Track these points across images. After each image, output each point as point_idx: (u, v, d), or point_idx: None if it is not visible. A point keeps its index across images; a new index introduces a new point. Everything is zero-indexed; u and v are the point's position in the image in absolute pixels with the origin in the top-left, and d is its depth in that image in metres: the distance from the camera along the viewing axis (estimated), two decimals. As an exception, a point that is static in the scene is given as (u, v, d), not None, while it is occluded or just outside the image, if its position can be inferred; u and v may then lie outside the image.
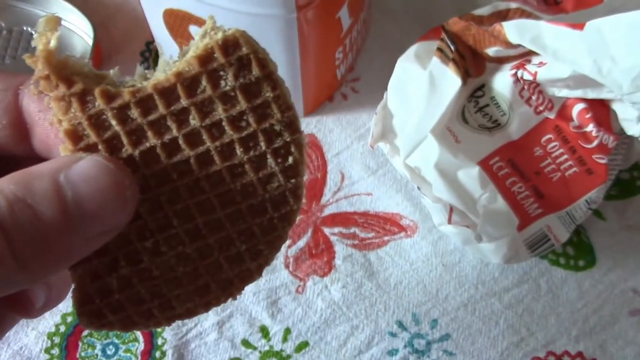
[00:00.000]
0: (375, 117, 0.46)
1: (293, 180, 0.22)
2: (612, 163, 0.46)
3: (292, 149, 0.22)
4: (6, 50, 0.55)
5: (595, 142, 0.43)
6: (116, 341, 0.45)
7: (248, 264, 0.24)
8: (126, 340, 0.45)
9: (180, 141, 0.21)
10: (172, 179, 0.22)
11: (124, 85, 0.21)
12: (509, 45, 0.41)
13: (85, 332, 0.45)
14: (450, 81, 0.43)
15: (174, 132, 0.21)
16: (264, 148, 0.22)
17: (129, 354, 0.45)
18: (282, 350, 0.45)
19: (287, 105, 0.21)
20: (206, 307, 0.24)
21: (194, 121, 0.21)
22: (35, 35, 0.20)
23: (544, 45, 0.38)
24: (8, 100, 0.23)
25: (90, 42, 0.53)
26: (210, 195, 0.22)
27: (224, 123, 0.21)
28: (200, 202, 0.22)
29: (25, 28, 0.56)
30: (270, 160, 0.22)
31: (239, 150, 0.22)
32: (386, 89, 0.47)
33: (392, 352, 0.45)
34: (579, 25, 0.36)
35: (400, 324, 0.46)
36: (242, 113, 0.21)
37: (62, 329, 0.45)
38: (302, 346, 0.45)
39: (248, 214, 0.23)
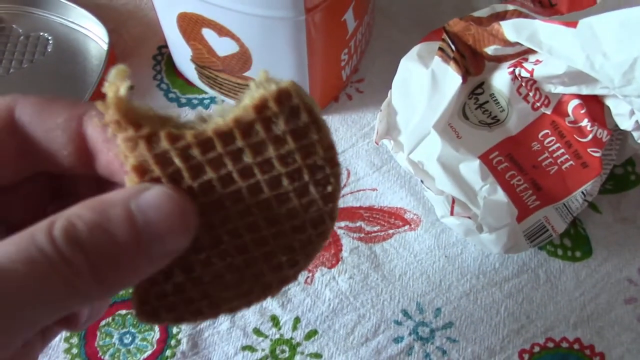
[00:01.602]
0: (379, 115, 0.48)
1: (330, 205, 0.25)
2: (606, 158, 0.48)
3: (331, 180, 0.24)
4: (24, 55, 0.57)
5: (590, 136, 0.45)
6: (133, 330, 0.47)
7: (286, 271, 0.26)
8: (142, 330, 0.47)
9: (234, 175, 0.23)
10: (226, 205, 0.24)
11: (185, 127, 0.23)
12: (507, 43, 0.43)
13: (103, 322, 0.47)
14: (452, 79, 0.45)
15: (229, 167, 0.23)
16: (307, 179, 0.24)
17: (145, 343, 0.46)
18: (292, 339, 0.47)
19: (329, 144, 0.24)
20: (248, 305, 0.27)
21: (247, 158, 0.23)
22: (106, 84, 0.22)
23: (539, 42, 0.40)
24: (72, 129, 0.25)
25: (105, 47, 0.56)
26: (258, 217, 0.24)
27: (273, 160, 0.23)
28: (249, 223, 0.25)
29: (41, 34, 0.58)
30: (312, 189, 0.24)
31: (285, 182, 0.24)
32: (389, 89, 0.49)
33: (398, 340, 0.47)
34: (573, 23, 0.39)
35: (405, 313, 0.48)
36: (290, 152, 0.23)
37: (81, 319, 0.47)
38: (311, 334, 0.47)
39: (290, 232, 0.25)
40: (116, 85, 0.22)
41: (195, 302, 0.26)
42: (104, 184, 0.26)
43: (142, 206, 0.21)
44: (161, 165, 0.23)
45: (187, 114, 0.55)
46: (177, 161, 0.23)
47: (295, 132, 0.23)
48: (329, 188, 0.24)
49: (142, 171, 0.23)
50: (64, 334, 0.46)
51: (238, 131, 0.22)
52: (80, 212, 0.21)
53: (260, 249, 0.25)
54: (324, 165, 0.24)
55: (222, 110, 0.23)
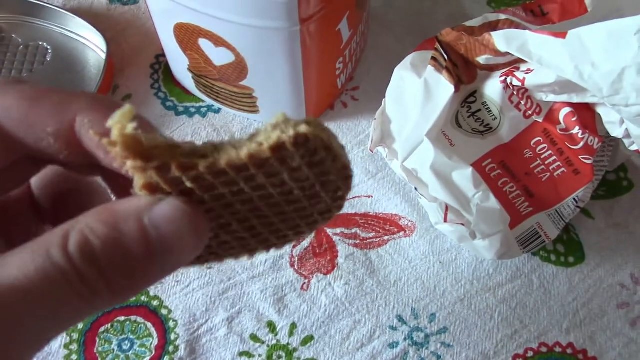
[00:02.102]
0: (374, 123, 0.49)
1: (339, 202, 0.25)
2: (598, 164, 0.49)
3: (342, 186, 0.25)
4: (23, 65, 0.58)
5: (581, 144, 0.46)
6: (131, 337, 0.47)
7: (291, 238, 0.27)
8: (141, 336, 0.47)
9: (246, 189, 0.23)
10: (235, 206, 0.24)
11: (196, 154, 0.22)
12: (498, 53, 0.44)
13: (102, 329, 0.48)
14: (444, 88, 0.46)
15: (241, 185, 0.23)
16: (318, 190, 0.24)
17: (144, 349, 0.47)
18: (288, 344, 0.47)
19: (344, 165, 0.24)
20: (251, 256, 0.28)
21: (260, 180, 0.23)
22: (110, 121, 0.21)
23: (529, 52, 0.41)
24: (65, 137, 0.24)
25: (103, 56, 0.56)
26: (267, 213, 0.25)
27: (286, 180, 0.23)
28: (258, 215, 0.25)
29: (41, 43, 0.59)
30: (322, 194, 0.25)
31: (296, 192, 0.24)
32: (384, 97, 0.49)
33: (393, 345, 0.47)
34: (562, 34, 0.39)
35: (400, 319, 0.48)
36: (303, 174, 0.23)
37: (80, 325, 0.47)
38: (308, 340, 0.48)
39: (297, 219, 0.26)
40: (122, 123, 0.21)
41: (203, 257, 0.27)
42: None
43: (155, 220, 0.22)
44: (172, 185, 0.22)
45: (184, 122, 0.56)
46: (189, 184, 0.22)
47: (311, 163, 0.23)
48: (339, 193, 0.25)
49: (152, 189, 0.22)
50: (63, 341, 0.47)
51: (252, 165, 0.22)
52: (93, 226, 0.21)
53: (267, 228, 0.26)
54: (336, 180, 0.24)
55: (236, 141, 0.23)
